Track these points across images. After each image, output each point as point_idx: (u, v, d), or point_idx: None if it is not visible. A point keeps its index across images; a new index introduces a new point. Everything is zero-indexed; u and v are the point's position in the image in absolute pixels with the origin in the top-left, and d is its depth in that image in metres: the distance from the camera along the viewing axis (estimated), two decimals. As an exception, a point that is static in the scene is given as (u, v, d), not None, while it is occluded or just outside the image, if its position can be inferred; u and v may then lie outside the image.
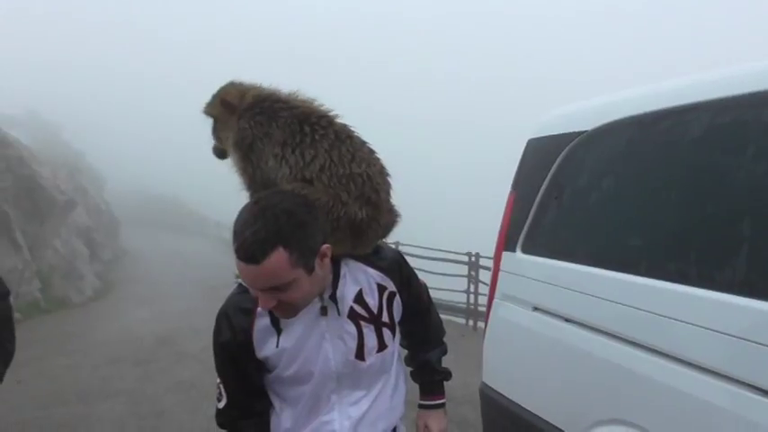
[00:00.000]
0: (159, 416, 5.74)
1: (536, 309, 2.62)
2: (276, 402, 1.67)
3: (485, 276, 11.42)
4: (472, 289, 11.45)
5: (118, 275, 19.35)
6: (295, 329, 1.58)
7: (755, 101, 1.86)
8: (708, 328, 1.83)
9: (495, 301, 2.91)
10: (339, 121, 1.65)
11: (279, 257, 1.38)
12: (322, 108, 1.66)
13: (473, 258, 11.54)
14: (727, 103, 1.95)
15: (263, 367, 1.62)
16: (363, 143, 1.66)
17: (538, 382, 2.59)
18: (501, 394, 2.80)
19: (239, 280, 1.65)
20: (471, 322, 11.38)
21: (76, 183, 20.76)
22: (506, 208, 2.97)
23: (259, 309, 1.57)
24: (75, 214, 17.22)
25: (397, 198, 1.71)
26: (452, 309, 11.78)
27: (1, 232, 11.68)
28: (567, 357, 2.40)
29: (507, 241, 2.89)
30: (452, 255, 12.13)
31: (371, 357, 1.65)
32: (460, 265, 11.88)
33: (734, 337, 1.75)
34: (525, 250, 2.77)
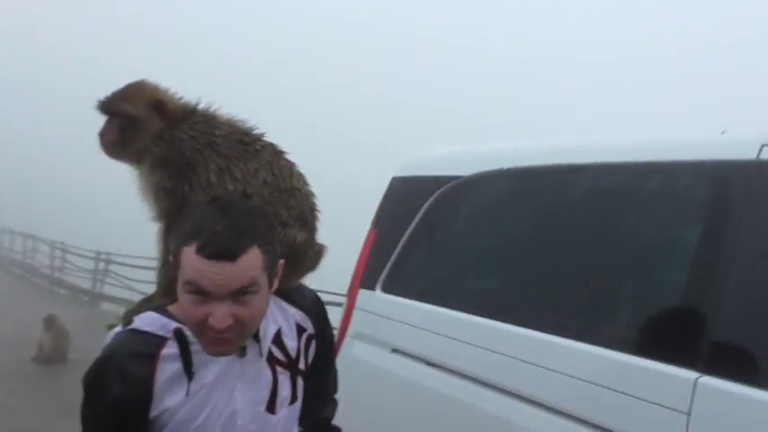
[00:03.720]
0: None
1: (395, 350, 2.55)
2: None
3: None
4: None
5: None
6: (207, 374, 1.31)
7: (638, 170, 2.03)
8: (562, 373, 1.92)
9: (347, 339, 2.79)
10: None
11: (255, 255, 1.21)
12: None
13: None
14: (609, 168, 2.10)
15: (147, 427, 1.30)
16: (292, 163, 1.50)
17: (392, 424, 2.50)
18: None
19: (113, 330, 1.36)
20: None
21: None
22: (365, 244, 2.88)
23: (164, 352, 1.28)
24: None
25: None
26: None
27: None
28: (429, 402, 2.35)
29: (365, 279, 2.80)
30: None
31: (282, 410, 1.42)
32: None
33: (578, 380, 1.87)
34: (387, 290, 2.70)
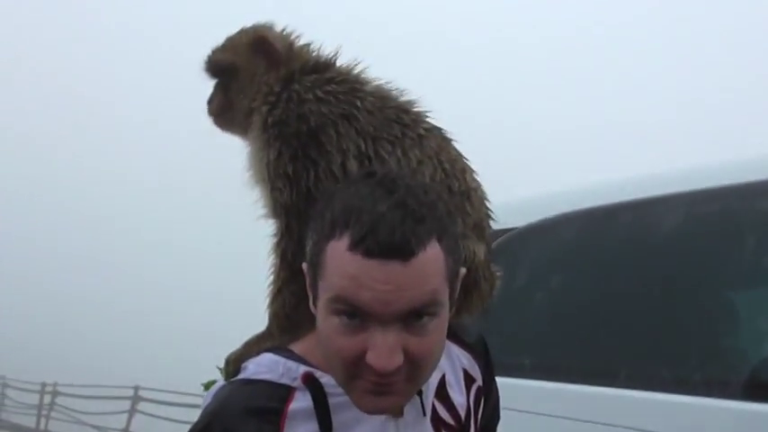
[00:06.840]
0: None
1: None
2: None
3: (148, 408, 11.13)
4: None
5: None
6: None
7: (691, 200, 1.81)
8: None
9: None
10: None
11: (436, 253, 0.83)
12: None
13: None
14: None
15: None
16: (462, 154, 1.14)
17: None
18: None
19: (214, 386, 0.99)
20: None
21: None
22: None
23: (292, 407, 0.89)
24: None
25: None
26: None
27: None
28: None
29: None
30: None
31: None
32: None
33: None
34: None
